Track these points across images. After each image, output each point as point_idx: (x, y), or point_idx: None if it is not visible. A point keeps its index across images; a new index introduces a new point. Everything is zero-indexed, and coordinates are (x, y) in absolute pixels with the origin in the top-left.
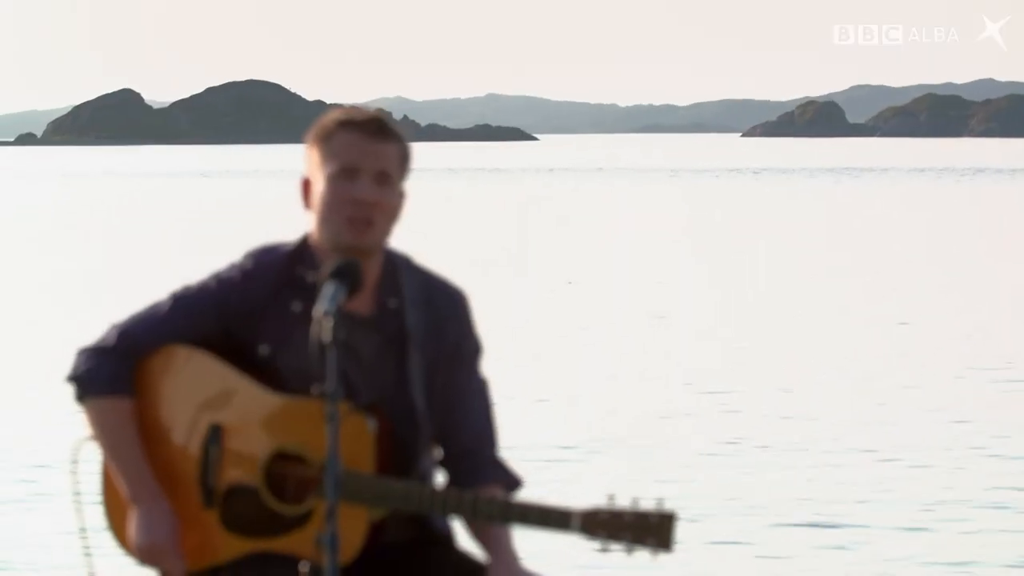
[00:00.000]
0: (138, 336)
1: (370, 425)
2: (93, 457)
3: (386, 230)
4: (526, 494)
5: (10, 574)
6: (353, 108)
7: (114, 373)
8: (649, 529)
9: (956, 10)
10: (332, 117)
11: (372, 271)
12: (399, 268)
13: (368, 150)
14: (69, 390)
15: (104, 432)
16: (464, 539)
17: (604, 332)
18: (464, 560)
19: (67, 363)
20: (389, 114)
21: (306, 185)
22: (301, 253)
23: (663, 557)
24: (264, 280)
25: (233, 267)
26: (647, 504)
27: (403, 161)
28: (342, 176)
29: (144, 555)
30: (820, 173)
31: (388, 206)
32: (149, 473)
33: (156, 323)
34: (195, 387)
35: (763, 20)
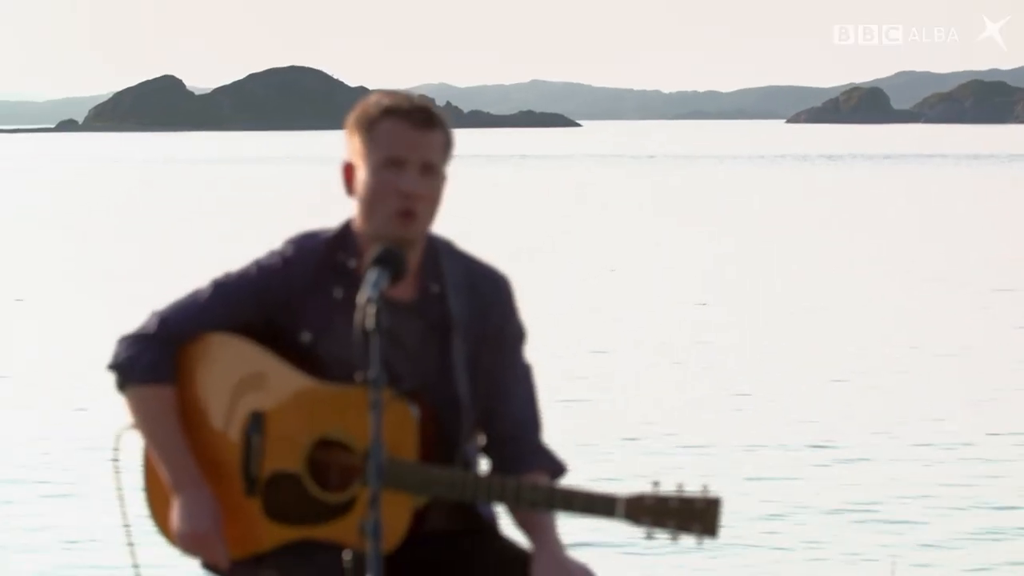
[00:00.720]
0: (179, 323)
1: (413, 412)
2: (134, 447)
3: (429, 220)
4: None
5: (56, 570)
6: (396, 94)
7: (155, 360)
8: (695, 515)
9: (956, 10)
10: (375, 103)
11: (414, 257)
12: (441, 253)
13: (415, 141)
14: (108, 380)
15: (145, 420)
16: (508, 527)
17: (646, 319)
18: (508, 547)
19: (105, 351)
20: (431, 100)
21: (348, 170)
22: (343, 239)
23: (713, 554)
24: (305, 266)
25: (274, 254)
26: (692, 489)
27: (447, 149)
28: (388, 166)
29: (186, 543)
30: (866, 160)
31: (433, 196)
32: (191, 461)
33: (197, 310)
34: (236, 375)
35: (767, 13)
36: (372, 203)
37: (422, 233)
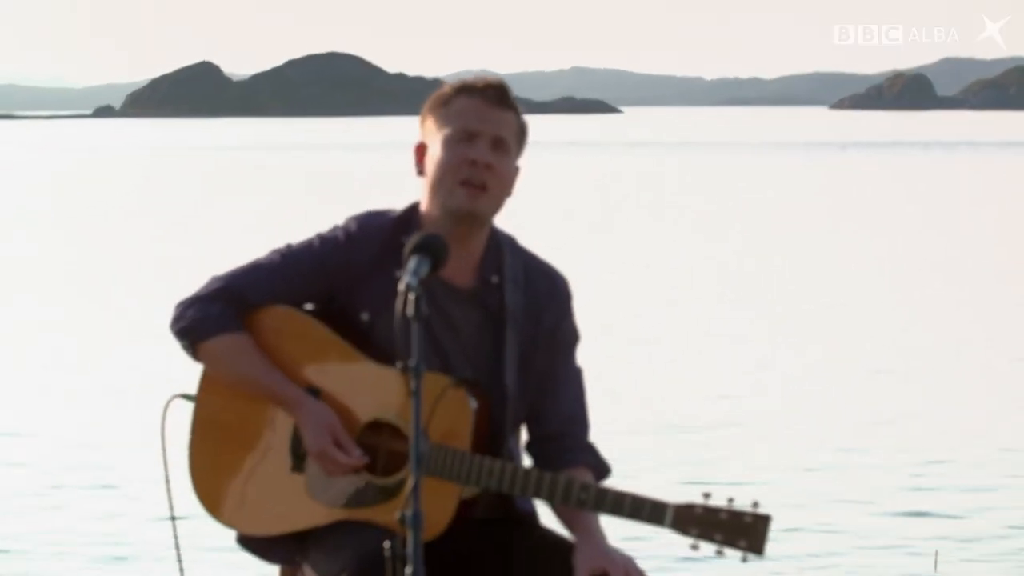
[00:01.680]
0: (239, 288)
1: (471, 403)
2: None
3: (499, 199)
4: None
5: (93, 565)
6: (472, 77)
7: (223, 312)
8: (743, 530)
9: (956, 10)
10: (451, 85)
11: (476, 245)
12: (504, 245)
13: (487, 115)
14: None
15: (234, 363)
16: (547, 518)
17: (685, 311)
18: (549, 536)
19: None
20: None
21: (420, 150)
22: (408, 220)
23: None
24: (367, 244)
25: (337, 228)
26: (742, 504)
27: (520, 133)
28: (459, 139)
29: (324, 453)
30: (910, 146)
31: (503, 173)
32: (290, 381)
33: (257, 277)
34: (295, 349)
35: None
36: (441, 176)
37: (490, 212)
